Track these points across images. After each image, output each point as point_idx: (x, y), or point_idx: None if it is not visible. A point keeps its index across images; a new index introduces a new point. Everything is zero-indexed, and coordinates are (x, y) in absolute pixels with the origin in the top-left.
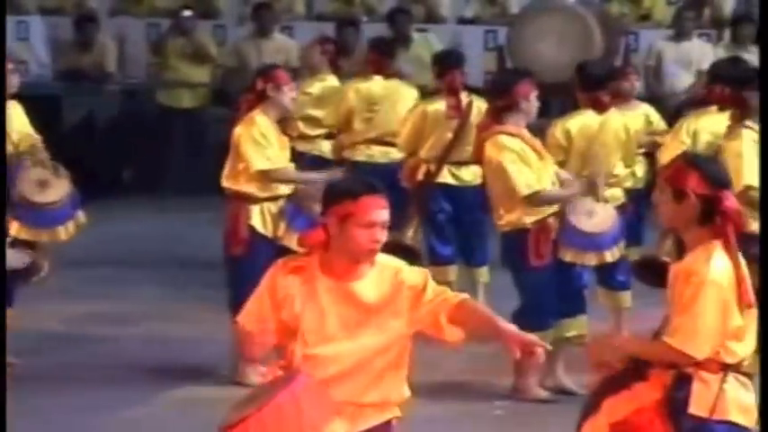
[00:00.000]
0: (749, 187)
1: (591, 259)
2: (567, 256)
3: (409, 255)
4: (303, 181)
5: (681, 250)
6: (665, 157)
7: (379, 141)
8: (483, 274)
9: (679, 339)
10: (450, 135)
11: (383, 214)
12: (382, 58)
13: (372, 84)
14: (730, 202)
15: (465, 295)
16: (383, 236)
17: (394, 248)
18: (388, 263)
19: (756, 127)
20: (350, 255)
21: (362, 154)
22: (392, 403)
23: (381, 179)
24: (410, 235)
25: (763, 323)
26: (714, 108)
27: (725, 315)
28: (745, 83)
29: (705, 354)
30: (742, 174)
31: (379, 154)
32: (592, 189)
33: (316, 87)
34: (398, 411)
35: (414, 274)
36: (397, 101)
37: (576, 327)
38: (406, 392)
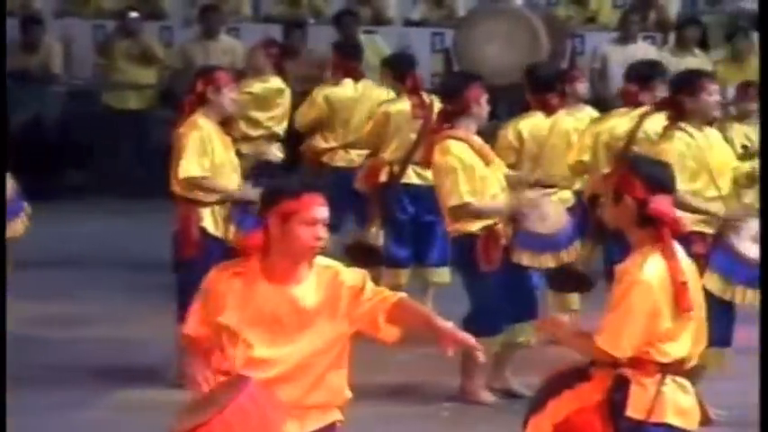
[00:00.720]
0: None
1: (548, 261)
2: (524, 260)
3: (371, 255)
4: (228, 193)
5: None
6: (572, 157)
7: (357, 146)
8: (439, 274)
9: (603, 338)
10: (414, 135)
11: (324, 212)
12: (349, 61)
13: (344, 89)
14: (662, 206)
15: (403, 295)
16: (325, 233)
17: (357, 249)
18: (327, 265)
19: (690, 129)
20: (292, 255)
21: (342, 159)
22: (335, 405)
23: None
24: (373, 234)
25: (763, 323)
26: (621, 110)
27: (654, 317)
28: (683, 86)
29: (626, 353)
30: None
31: (358, 158)
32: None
33: (257, 88)
34: (340, 415)
35: (352, 275)
36: (370, 104)
37: (526, 332)
38: (348, 394)
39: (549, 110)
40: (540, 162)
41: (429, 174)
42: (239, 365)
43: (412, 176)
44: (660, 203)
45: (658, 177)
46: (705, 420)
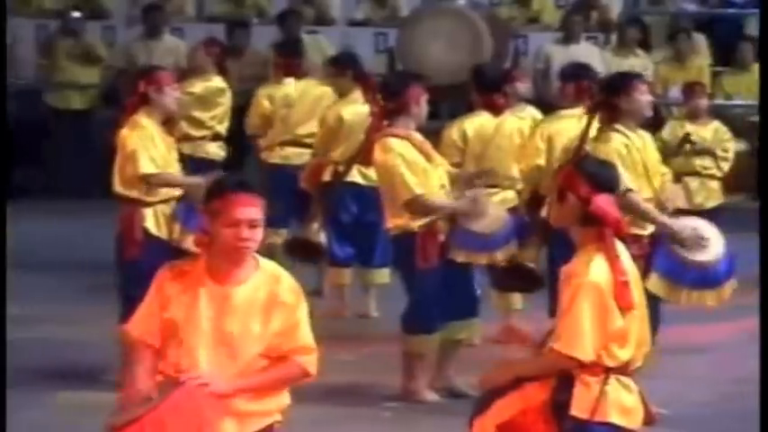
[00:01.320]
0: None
1: (482, 259)
2: (460, 257)
3: (310, 251)
4: (186, 185)
5: (556, 252)
6: (523, 159)
7: (295, 143)
8: (381, 275)
9: (563, 344)
10: (362, 136)
11: (250, 212)
12: (290, 60)
13: (286, 87)
14: (604, 205)
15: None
16: (253, 234)
17: (296, 245)
18: (273, 271)
19: (626, 131)
20: (223, 255)
21: (278, 156)
22: (273, 409)
23: (297, 181)
24: (314, 231)
25: (763, 323)
26: (570, 111)
27: (604, 317)
28: (616, 87)
29: (591, 355)
30: None
31: (294, 156)
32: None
33: (199, 87)
34: (279, 416)
35: (290, 294)
36: (311, 102)
37: (467, 330)
38: (287, 399)
39: (494, 110)
40: (484, 162)
41: (372, 173)
42: (180, 365)
43: (356, 176)
44: (602, 202)
45: (602, 176)
46: (649, 419)
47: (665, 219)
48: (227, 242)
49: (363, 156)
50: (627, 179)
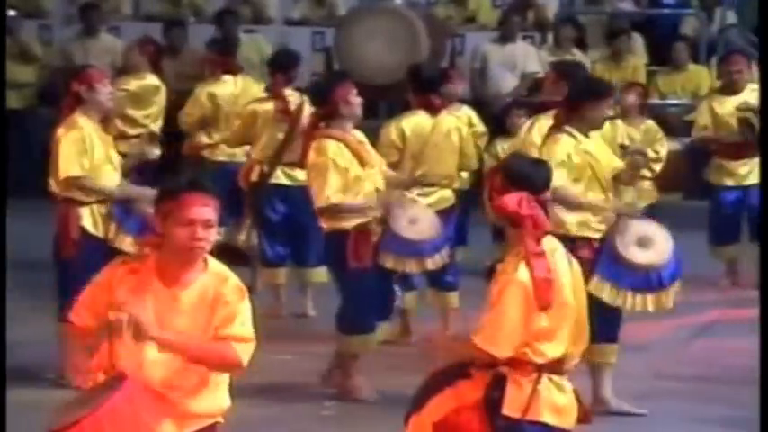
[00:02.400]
0: (557, 188)
1: (411, 266)
2: (388, 263)
3: (237, 257)
4: (108, 193)
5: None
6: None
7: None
8: (317, 274)
9: (482, 338)
10: (281, 136)
11: (204, 212)
12: (225, 58)
13: (225, 85)
14: (507, 203)
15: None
16: (207, 235)
17: (223, 250)
18: (218, 272)
19: (574, 132)
20: (175, 256)
21: (224, 154)
22: (214, 411)
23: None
24: (242, 237)
25: (763, 322)
26: (521, 112)
27: (529, 315)
28: (579, 95)
29: (506, 353)
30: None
31: (241, 153)
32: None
33: (133, 85)
34: (221, 418)
35: (233, 294)
36: (249, 99)
37: (382, 332)
38: (227, 401)
39: (432, 110)
40: (422, 161)
41: (298, 174)
42: (123, 364)
43: (281, 177)
44: (506, 200)
45: (518, 174)
46: (584, 418)
47: (602, 203)
48: (180, 242)
49: (301, 156)
50: (560, 177)
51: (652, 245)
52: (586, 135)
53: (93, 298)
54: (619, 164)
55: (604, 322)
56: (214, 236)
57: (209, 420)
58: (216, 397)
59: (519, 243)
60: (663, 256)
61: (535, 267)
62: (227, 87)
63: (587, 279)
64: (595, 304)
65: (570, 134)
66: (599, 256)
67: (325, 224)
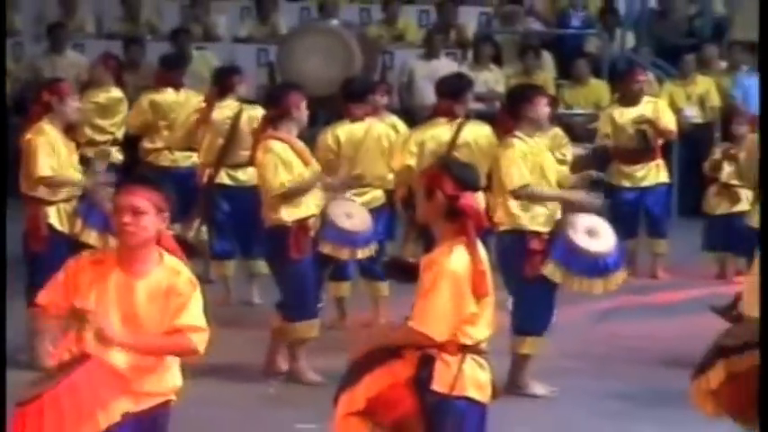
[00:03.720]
0: (525, 186)
1: (345, 254)
2: (326, 249)
3: (188, 250)
4: (82, 185)
5: (428, 245)
6: (396, 162)
7: (182, 147)
8: (262, 266)
9: (419, 322)
10: (221, 140)
11: (131, 199)
12: (170, 73)
13: (165, 95)
14: (470, 202)
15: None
16: (135, 221)
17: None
18: (173, 264)
19: (526, 138)
20: (121, 243)
21: (167, 159)
22: (168, 390)
23: (185, 181)
24: (191, 234)
25: (763, 322)
26: (441, 120)
27: (460, 302)
28: (519, 97)
29: (442, 335)
30: (514, 176)
31: (181, 158)
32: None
33: (101, 98)
34: (173, 396)
35: (186, 286)
36: (190, 108)
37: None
38: (179, 380)
39: (362, 118)
40: (355, 164)
41: (240, 175)
42: (87, 346)
43: (224, 178)
44: (469, 199)
45: (466, 177)
46: (495, 394)
47: (565, 194)
48: (117, 229)
49: (250, 157)
50: (524, 176)
51: (599, 236)
52: (531, 137)
53: (60, 284)
54: (563, 168)
55: (535, 317)
56: (148, 224)
57: (163, 398)
58: (169, 377)
59: (452, 237)
60: (609, 245)
61: (478, 261)
62: (169, 96)
63: (539, 267)
64: (528, 301)
65: (520, 138)
66: (552, 246)
67: (268, 217)
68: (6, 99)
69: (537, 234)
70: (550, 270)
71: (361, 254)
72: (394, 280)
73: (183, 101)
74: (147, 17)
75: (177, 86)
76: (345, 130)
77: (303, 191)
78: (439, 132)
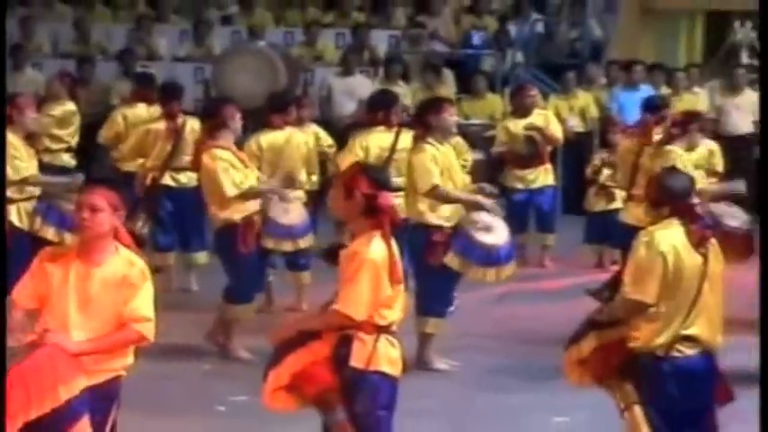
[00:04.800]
0: (435, 187)
1: (287, 246)
2: (269, 243)
3: (136, 242)
4: (44, 184)
5: (353, 238)
6: (345, 165)
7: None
8: (200, 257)
9: (343, 305)
10: (169, 148)
11: (89, 197)
12: (146, 90)
13: (136, 110)
14: (386, 200)
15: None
16: (92, 217)
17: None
18: (127, 256)
19: (436, 144)
20: (80, 237)
21: (133, 165)
22: (119, 367)
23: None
24: (139, 226)
25: (763, 322)
26: (380, 128)
27: (378, 287)
28: (429, 108)
29: (362, 316)
30: (428, 177)
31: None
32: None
33: (57, 111)
34: (124, 372)
35: (138, 277)
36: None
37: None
38: (130, 359)
39: (283, 127)
40: (276, 168)
41: (182, 178)
42: (51, 330)
43: (169, 180)
44: (385, 198)
45: (381, 178)
46: (405, 369)
47: (470, 197)
48: (77, 223)
49: (191, 163)
50: (435, 178)
51: (494, 231)
52: (441, 143)
53: (25, 281)
54: (465, 177)
55: (436, 300)
56: (103, 220)
57: (115, 373)
58: (121, 356)
59: (369, 230)
60: (502, 239)
61: (394, 252)
62: (140, 111)
63: (441, 256)
64: (431, 287)
65: (432, 144)
66: (453, 239)
67: (218, 217)
68: (4, 93)
69: (440, 228)
70: (450, 259)
71: (303, 243)
72: (331, 264)
73: (149, 114)
74: (97, 39)
75: (150, 102)
76: (267, 138)
77: (258, 194)
78: (381, 138)
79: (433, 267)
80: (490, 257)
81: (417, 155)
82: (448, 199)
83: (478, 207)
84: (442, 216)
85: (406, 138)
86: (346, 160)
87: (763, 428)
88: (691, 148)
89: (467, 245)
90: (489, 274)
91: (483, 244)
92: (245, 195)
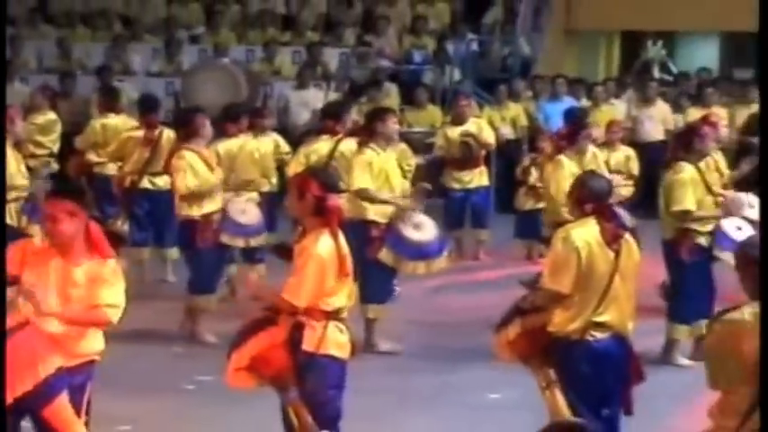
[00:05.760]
0: (365, 189)
1: (240, 242)
2: (225, 239)
3: (116, 239)
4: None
5: (305, 235)
6: (291, 170)
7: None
8: (173, 252)
9: (288, 293)
10: (147, 155)
11: (48, 209)
12: (112, 102)
13: (110, 119)
14: (334, 202)
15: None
16: (53, 227)
17: (107, 234)
18: (101, 255)
19: (378, 149)
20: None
21: (111, 169)
22: (92, 352)
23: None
24: (118, 224)
25: (763, 322)
26: (325, 137)
27: (322, 278)
28: (374, 116)
29: (303, 303)
30: (358, 180)
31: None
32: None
33: (40, 120)
34: (97, 356)
35: (111, 275)
36: (125, 130)
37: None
38: (102, 344)
39: (234, 135)
40: (232, 172)
41: (158, 181)
42: (32, 315)
43: (146, 183)
44: (333, 200)
45: (330, 182)
46: (353, 352)
47: (394, 199)
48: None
49: (164, 167)
50: (366, 181)
51: (423, 229)
52: (383, 149)
53: (11, 256)
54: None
55: (377, 289)
56: (65, 228)
57: (89, 358)
58: (95, 342)
59: (318, 228)
60: (430, 236)
61: (342, 247)
62: (116, 121)
63: (378, 250)
64: (371, 277)
65: (373, 149)
66: (387, 235)
67: (180, 214)
68: (5, 93)
69: (377, 224)
70: (384, 254)
71: (254, 242)
72: (282, 259)
73: (121, 123)
74: (77, 56)
75: (119, 112)
76: (225, 146)
77: (205, 193)
78: (321, 147)
79: (371, 260)
80: (420, 253)
81: (357, 158)
82: (375, 201)
83: (405, 210)
84: (379, 212)
85: (346, 145)
86: (292, 167)
87: (764, 428)
88: (579, 155)
89: (398, 241)
90: (419, 267)
91: (412, 240)
92: (192, 196)
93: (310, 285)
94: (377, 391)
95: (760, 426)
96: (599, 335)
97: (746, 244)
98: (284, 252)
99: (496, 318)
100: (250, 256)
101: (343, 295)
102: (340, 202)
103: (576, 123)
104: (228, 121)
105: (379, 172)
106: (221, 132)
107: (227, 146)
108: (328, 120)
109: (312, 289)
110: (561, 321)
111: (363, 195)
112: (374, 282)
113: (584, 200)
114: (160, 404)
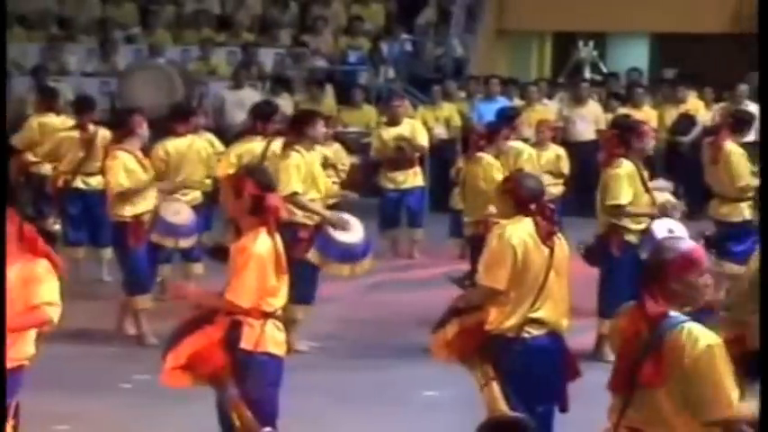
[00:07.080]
0: (294, 193)
1: (170, 243)
2: (155, 239)
3: (48, 237)
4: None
5: (239, 234)
6: (221, 170)
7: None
8: (107, 252)
9: (231, 294)
10: (81, 154)
11: None
12: (51, 101)
13: (50, 117)
14: (272, 201)
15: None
16: None
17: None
18: (33, 255)
19: (303, 151)
20: None
21: (47, 169)
22: (22, 357)
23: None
24: (50, 223)
25: (763, 322)
26: (255, 138)
27: (264, 278)
28: (301, 119)
29: (249, 303)
30: (289, 184)
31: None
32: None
33: None
34: (27, 361)
35: (44, 273)
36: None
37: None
38: (32, 349)
39: (183, 134)
40: (180, 170)
41: (92, 181)
42: None
43: (80, 183)
44: (272, 199)
45: (267, 181)
46: (289, 349)
47: (321, 211)
48: None
49: (101, 168)
50: (294, 185)
51: (350, 231)
52: (308, 150)
53: None
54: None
55: (304, 290)
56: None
57: (19, 363)
58: (25, 347)
59: (255, 227)
60: (357, 239)
61: (278, 245)
62: (52, 120)
63: (306, 251)
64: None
65: (298, 151)
66: (316, 237)
67: (113, 213)
68: (5, 92)
69: (306, 226)
70: (312, 255)
71: (183, 243)
72: (217, 261)
73: (59, 123)
74: (13, 56)
75: (58, 113)
76: (172, 144)
77: (137, 192)
78: (253, 147)
79: (299, 261)
80: (346, 255)
81: (284, 161)
82: (303, 207)
83: (327, 218)
84: (308, 215)
85: (277, 146)
86: (222, 166)
87: (763, 428)
88: (498, 154)
89: (326, 243)
90: (344, 269)
91: (340, 243)
92: (124, 196)
93: (252, 285)
94: (312, 389)
95: (760, 426)
96: (535, 332)
97: (656, 248)
98: (220, 254)
99: (432, 315)
100: (187, 255)
101: (283, 295)
102: (278, 200)
103: (500, 123)
104: (177, 120)
105: (306, 175)
106: (164, 132)
107: (176, 144)
108: (257, 120)
109: (254, 288)
110: (497, 319)
111: (294, 201)
112: (302, 283)
113: (526, 200)
114: (98, 403)
